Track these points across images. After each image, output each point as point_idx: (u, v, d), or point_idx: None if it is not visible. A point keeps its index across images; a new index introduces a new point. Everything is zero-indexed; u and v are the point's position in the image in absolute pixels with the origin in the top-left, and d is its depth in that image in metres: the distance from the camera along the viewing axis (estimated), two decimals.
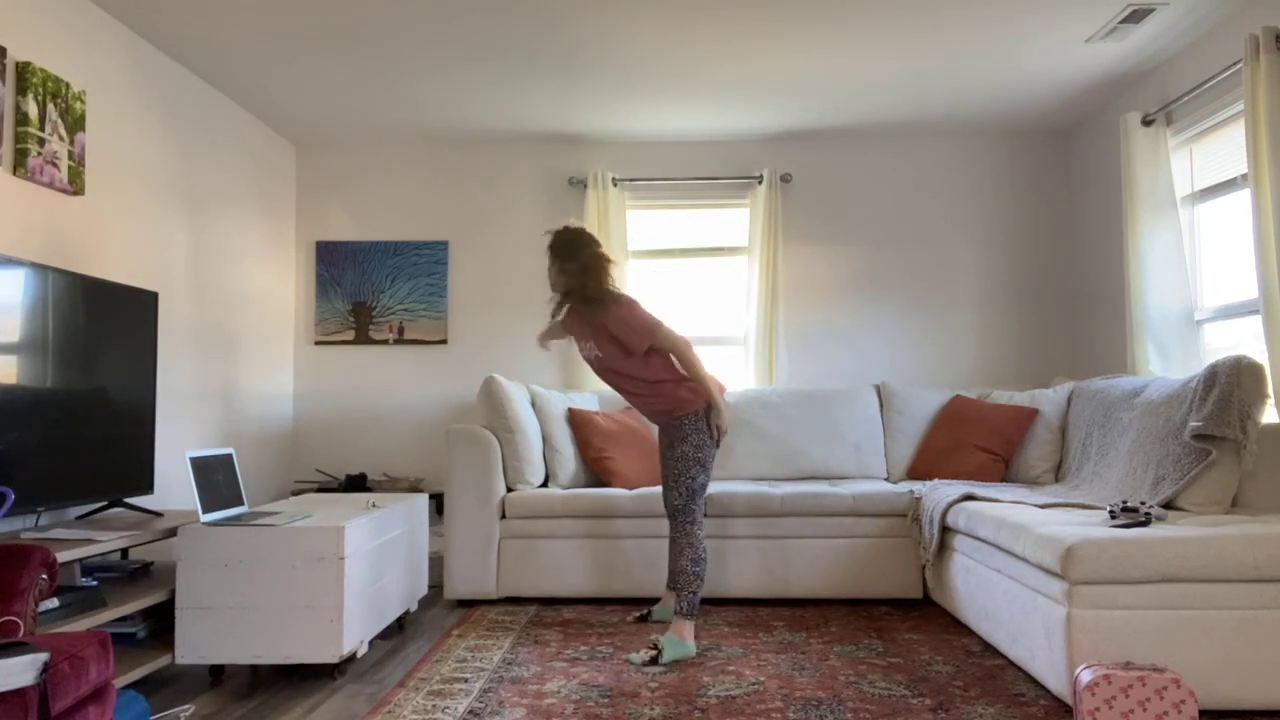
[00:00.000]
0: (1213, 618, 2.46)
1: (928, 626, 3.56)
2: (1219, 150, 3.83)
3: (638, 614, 3.67)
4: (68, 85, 3.23)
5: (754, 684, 2.83)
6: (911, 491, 3.94)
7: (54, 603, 2.51)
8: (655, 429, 4.56)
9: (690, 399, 3.29)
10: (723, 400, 3.30)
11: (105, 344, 3.13)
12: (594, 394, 4.71)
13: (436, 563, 4.69)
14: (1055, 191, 5.10)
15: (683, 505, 3.28)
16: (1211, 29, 3.74)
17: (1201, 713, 2.51)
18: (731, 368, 5.13)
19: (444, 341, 5.18)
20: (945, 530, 3.59)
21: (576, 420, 4.36)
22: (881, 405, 4.66)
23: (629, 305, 3.27)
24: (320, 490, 4.75)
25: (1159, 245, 3.96)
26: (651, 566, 3.94)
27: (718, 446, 3.35)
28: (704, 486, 3.31)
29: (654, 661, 3.04)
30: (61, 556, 2.42)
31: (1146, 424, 3.32)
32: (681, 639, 3.12)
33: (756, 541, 3.93)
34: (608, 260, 3.34)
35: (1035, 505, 3.24)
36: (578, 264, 3.30)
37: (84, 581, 2.83)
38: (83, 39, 3.38)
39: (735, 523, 3.94)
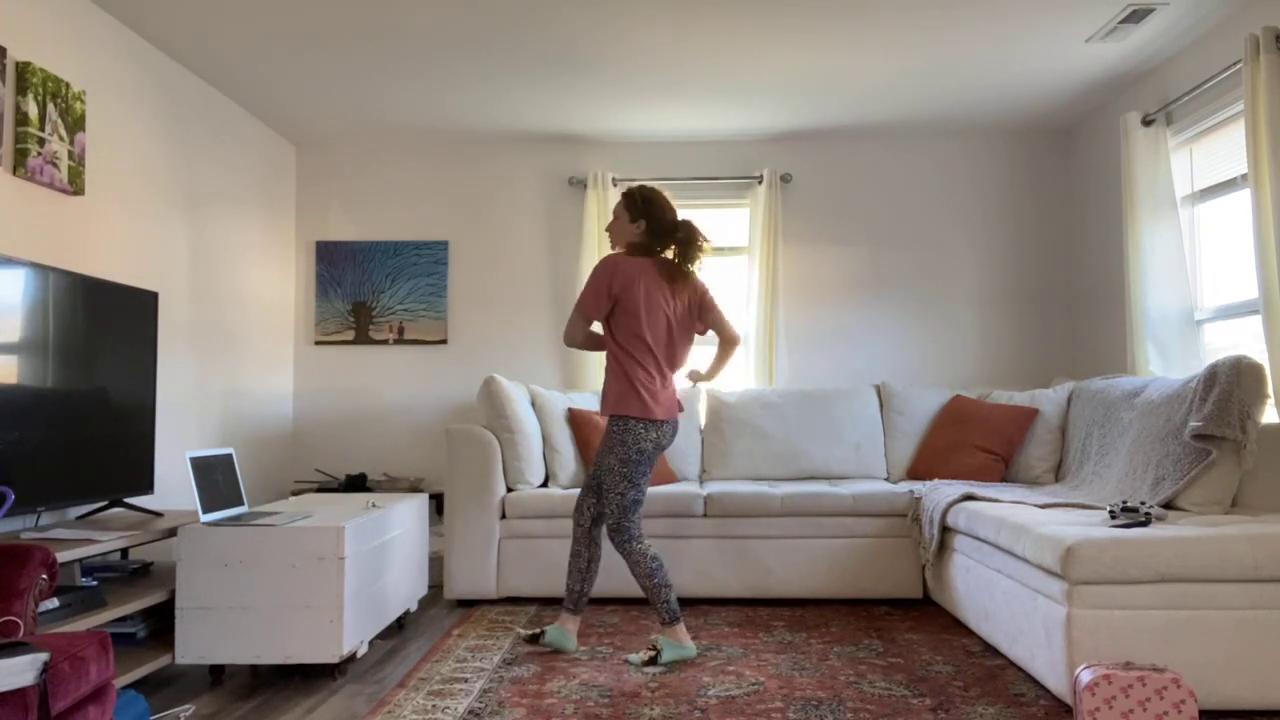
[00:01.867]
0: (1213, 618, 2.46)
1: (928, 626, 3.56)
2: (1219, 150, 3.83)
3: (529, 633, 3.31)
4: (68, 85, 3.23)
5: (754, 684, 2.83)
6: (911, 491, 3.94)
7: (54, 603, 2.51)
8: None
9: (622, 399, 3.06)
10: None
11: (105, 344, 3.13)
12: (594, 394, 4.71)
13: (436, 563, 4.69)
14: (1055, 191, 5.10)
15: (616, 524, 3.09)
16: (1211, 29, 3.74)
17: (1201, 713, 2.51)
18: (731, 368, 5.14)
19: (444, 341, 5.18)
20: (945, 530, 3.59)
21: (576, 420, 4.36)
22: (881, 405, 4.66)
23: (605, 261, 3.10)
24: (320, 490, 4.75)
25: (1159, 245, 3.96)
26: None
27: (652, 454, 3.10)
28: (637, 503, 3.10)
29: (653, 662, 3.03)
30: (61, 556, 2.42)
31: (1146, 424, 3.32)
32: (678, 642, 3.09)
33: (757, 541, 3.93)
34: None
35: (1035, 505, 3.24)
36: (684, 232, 3.19)
37: (84, 581, 2.83)
38: (83, 39, 3.38)
39: (735, 523, 3.94)
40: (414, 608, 3.82)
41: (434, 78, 4.22)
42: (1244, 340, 3.71)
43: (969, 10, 3.55)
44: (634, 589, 3.94)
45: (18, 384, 2.71)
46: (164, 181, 3.93)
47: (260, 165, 4.85)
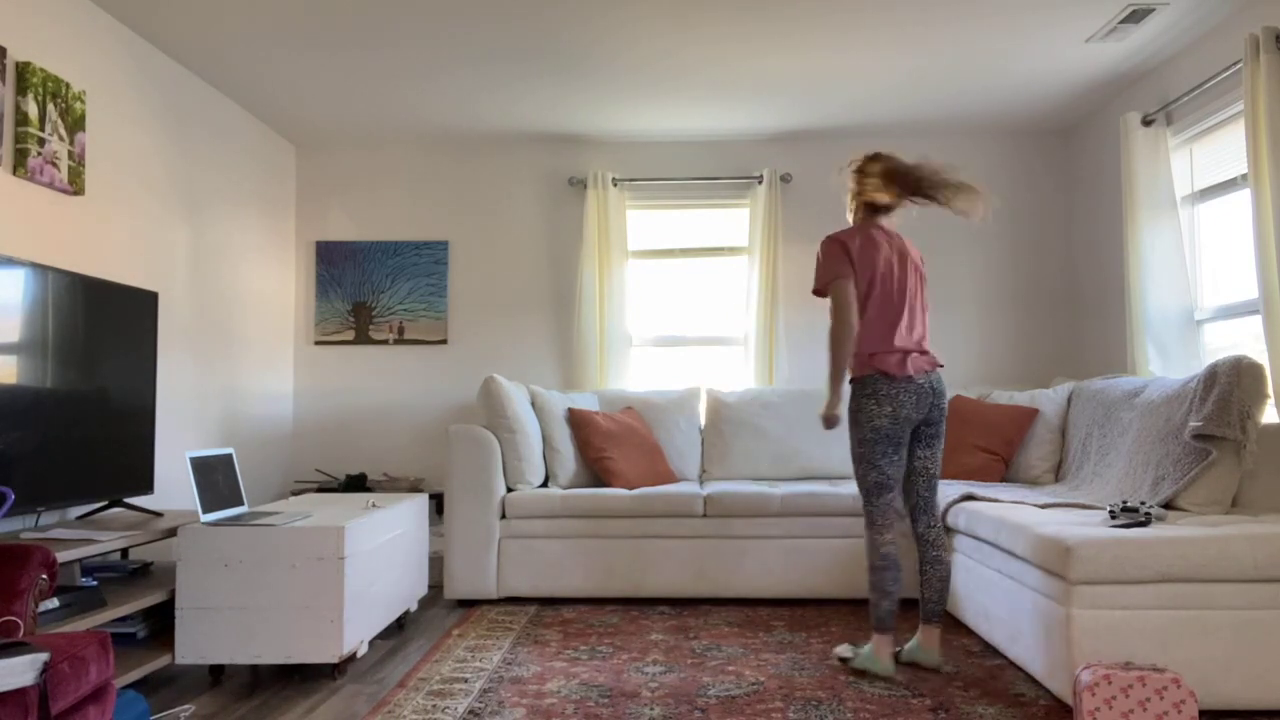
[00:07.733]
0: (1213, 618, 2.46)
1: None
2: (1219, 150, 3.83)
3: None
4: (68, 85, 3.23)
5: (754, 684, 2.83)
6: None
7: (54, 603, 2.51)
8: (676, 427, 4.62)
9: (857, 365, 2.94)
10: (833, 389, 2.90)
11: (105, 344, 3.13)
12: (594, 394, 4.71)
13: (436, 563, 4.69)
14: (1055, 191, 5.10)
15: (863, 506, 2.96)
16: (1211, 29, 3.74)
17: (1201, 713, 2.51)
18: (731, 368, 5.14)
19: (444, 341, 5.18)
20: (945, 530, 3.59)
21: (576, 420, 4.36)
22: None
23: (828, 241, 2.99)
24: (320, 490, 4.75)
25: (1159, 245, 3.96)
26: (651, 566, 3.94)
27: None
28: (879, 486, 2.88)
29: (845, 661, 3.01)
30: (61, 556, 2.42)
31: (1146, 424, 3.32)
32: (875, 654, 2.92)
33: (756, 541, 3.93)
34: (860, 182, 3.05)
35: (1035, 505, 3.24)
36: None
37: (84, 581, 2.83)
38: (83, 39, 3.38)
39: (735, 523, 3.94)
40: (414, 608, 3.82)
41: (435, 78, 4.22)
42: (1244, 340, 3.71)
43: (968, 10, 3.56)
44: (633, 590, 3.95)
45: (18, 384, 2.71)
46: (164, 181, 3.93)
47: (260, 165, 4.85)
